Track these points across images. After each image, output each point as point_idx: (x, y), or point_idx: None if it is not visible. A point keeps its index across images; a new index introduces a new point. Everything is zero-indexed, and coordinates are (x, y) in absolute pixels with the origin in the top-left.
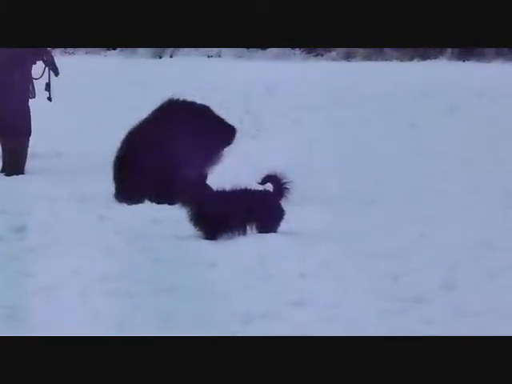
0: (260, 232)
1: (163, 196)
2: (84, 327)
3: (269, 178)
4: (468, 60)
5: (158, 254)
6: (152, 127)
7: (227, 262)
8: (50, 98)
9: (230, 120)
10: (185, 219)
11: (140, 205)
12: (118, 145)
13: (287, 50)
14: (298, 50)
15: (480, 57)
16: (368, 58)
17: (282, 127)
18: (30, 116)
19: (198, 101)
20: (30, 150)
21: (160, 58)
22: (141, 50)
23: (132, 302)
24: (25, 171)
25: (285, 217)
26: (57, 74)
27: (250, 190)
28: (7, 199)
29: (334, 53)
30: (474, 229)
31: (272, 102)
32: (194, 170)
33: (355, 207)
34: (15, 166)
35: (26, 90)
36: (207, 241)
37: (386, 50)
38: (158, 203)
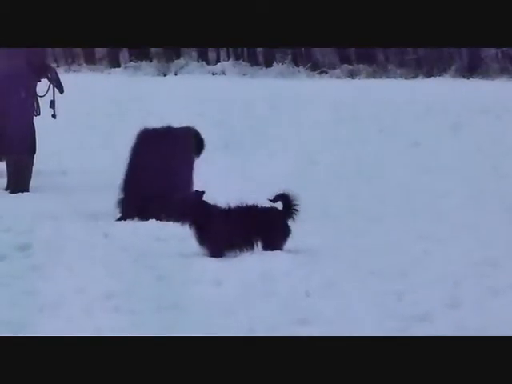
0: (265, 249)
1: (167, 215)
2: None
3: (281, 197)
4: (472, 77)
5: (161, 272)
6: (136, 155)
7: (232, 280)
8: (54, 116)
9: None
10: (189, 237)
11: (144, 223)
12: (123, 163)
13: (291, 68)
14: (302, 68)
15: (484, 74)
16: (372, 75)
17: (287, 144)
18: (34, 133)
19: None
20: (34, 168)
21: (164, 75)
22: (145, 68)
23: (135, 319)
24: (29, 189)
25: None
26: (61, 91)
27: (256, 207)
28: (12, 217)
29: (338, 70)
30: (478, 246)
31: (276, 119)
32: (184, 185)
33: (359, 225)
34: (20, 183)
35: (30, 107)
36: (212, 258)
37: (390, 67)
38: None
